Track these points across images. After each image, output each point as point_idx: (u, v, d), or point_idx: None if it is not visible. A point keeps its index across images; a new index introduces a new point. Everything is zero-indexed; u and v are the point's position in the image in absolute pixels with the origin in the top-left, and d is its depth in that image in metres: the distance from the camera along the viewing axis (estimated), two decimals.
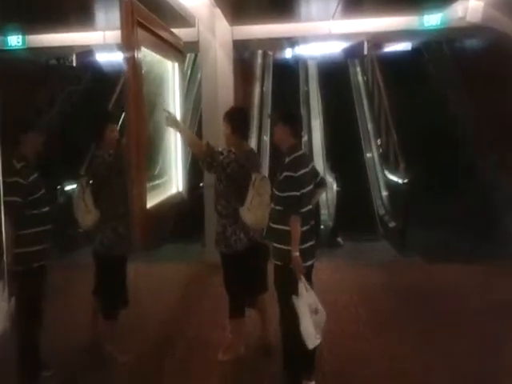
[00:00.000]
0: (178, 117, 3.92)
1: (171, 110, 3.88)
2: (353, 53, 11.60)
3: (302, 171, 3.05)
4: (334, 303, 4.44)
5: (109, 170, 3.45)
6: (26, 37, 7.72)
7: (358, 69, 11.87)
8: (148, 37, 3.35)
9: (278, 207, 3.09)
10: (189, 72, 10.26)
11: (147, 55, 3.44)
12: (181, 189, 4.32)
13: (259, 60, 11.90)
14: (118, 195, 3.41)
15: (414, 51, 11.92)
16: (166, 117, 3.55)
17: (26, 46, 7.83)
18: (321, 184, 3.26)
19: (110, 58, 10.29)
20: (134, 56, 3.05)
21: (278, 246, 3.08)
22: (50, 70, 11.18)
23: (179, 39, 4.15)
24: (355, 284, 5.16)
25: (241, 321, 3.61)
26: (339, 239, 7.21)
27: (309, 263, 3.08)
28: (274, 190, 3.16)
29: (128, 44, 3.04)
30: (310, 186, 3.12)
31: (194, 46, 5.74)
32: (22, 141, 3.29)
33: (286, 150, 3.14)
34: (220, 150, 3.50)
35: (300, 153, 3.16)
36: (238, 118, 3.52)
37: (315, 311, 2.91)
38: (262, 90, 11.06)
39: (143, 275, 5.19)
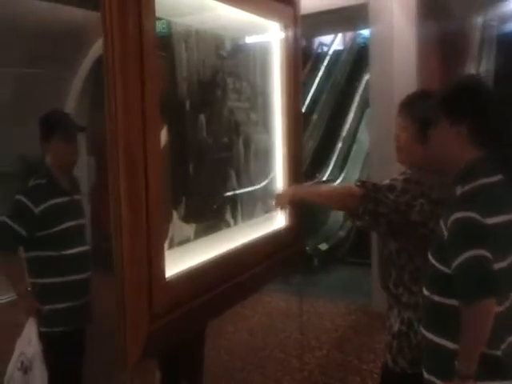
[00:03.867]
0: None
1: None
2: None
3: (496, 218, 1.50)
4: None
5: None
6: None
7: None
8: None
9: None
10: None
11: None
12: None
13: (476, 32, 9.49)
14: None
15: None
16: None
17: None
18: None
19: None
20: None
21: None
22: None
23: None
24: None
25: None
26: None
27: None
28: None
29: None
30: None
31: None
32: (44, 150, 2.43)
33: (460, 169, 1.61)
34: (389, 181, 1.85)
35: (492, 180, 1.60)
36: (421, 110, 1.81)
37: None
38: (478, 73, 8.69)
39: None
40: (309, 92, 7.86)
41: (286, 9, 2.49)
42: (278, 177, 2.52)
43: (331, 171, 6.94)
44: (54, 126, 2.36)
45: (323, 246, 5.90)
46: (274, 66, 2.47)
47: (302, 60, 2.66)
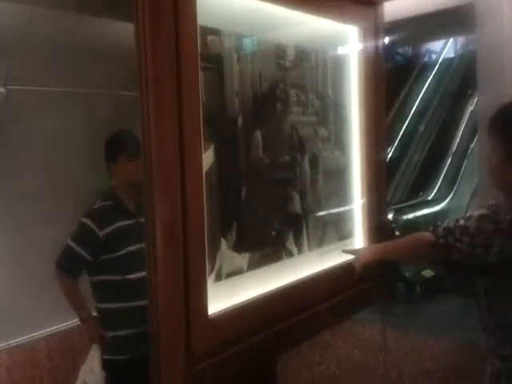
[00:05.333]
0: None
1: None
2: None
3: None
4: None
5: None
6: None
7: None
8: None
9: None
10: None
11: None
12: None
13: None
14: None
15: None
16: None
17: None
18: None
19: None
20: None
21: None
22: None
23: None
24: None
25: None
26: None
27: None
28: None
29: None
30: None
31: None
32: (111, 169, 2.38)
33: None
34: (463, 221, 1.62)
35: None
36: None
37: None
38: None
39: None
40: (414, 102, 7.37)
41: (365, 11, 2.23)
42: (356, 198, 2.25)
43: (438, 189, 6.35)
44: (121, 145, 2.32)
45: (427, 273, 5.36)
46: (351, 75, 2.21)
47: (384, 67, 2.37)
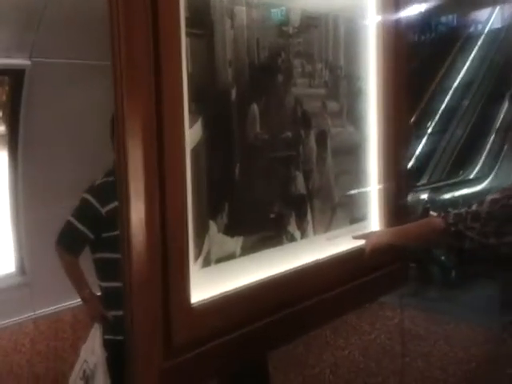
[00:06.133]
0: None
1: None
2: None
3: None
4: None
5: None
6: None
7: None
8: None
9: None
10: None
11: None
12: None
13: None
14: None
15: None
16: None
17: None
18: None
19: None
20: None
21: None
22: None
23: None
24: None
25: None
26: None
27: None
28: None
29: None
30: None
31: None
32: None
33: None
34: (475, 205, 1.50)
35: None
36: None
37: None
38: None
39: None
40: (458, 75, 6.93)
41: None
42: (372, 178, 2.07)
43: (480, 168, 5.98)
44: None
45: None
46: (369, 42, 2.01)
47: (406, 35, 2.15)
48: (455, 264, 5.05)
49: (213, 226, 1.49)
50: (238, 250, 1.57)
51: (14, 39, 4.07)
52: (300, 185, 1.74)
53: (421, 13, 4.98)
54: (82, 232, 2.15)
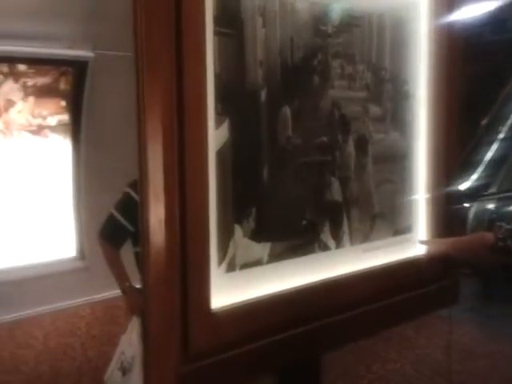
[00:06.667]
0: None
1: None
2: None
3: None
4: None
5: None
6: None
7: None
8: None
9: None
10: None
11: None
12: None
13: None
14: None
15: None
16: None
17: None
18: None
19: None
20: None
21: None
22: None
23: None
24: None
25: None
26: None
27: None
28: None
29: None
30: None
31: None
32: None
33: None
34: None
35: None
36: None
37: None
38: None
39: None
40: None
41: None
42: (419, 188, 1.94)
43: None
44: None
45: None
46: (418, 43, 1.89)
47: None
48: (504, 280, 4.69)
49: (238, 231, 1.44)
50: (266, 257, 1.51)
51: (78, 32, 4.22)
52: (336, 192, 1.66)
53: (490, 11, 4.70)
54: (123, 225, 2.18)
